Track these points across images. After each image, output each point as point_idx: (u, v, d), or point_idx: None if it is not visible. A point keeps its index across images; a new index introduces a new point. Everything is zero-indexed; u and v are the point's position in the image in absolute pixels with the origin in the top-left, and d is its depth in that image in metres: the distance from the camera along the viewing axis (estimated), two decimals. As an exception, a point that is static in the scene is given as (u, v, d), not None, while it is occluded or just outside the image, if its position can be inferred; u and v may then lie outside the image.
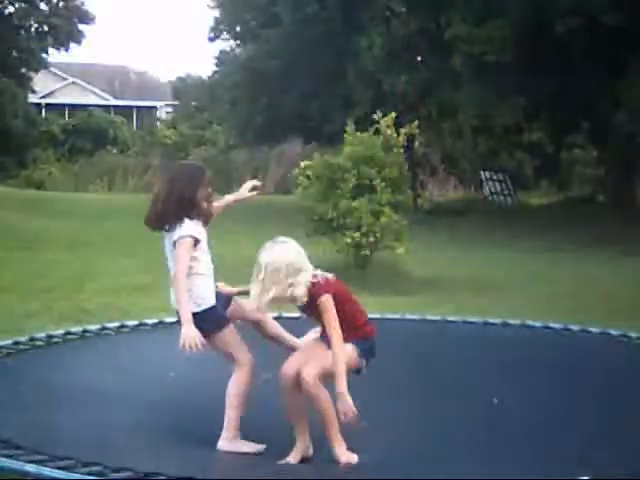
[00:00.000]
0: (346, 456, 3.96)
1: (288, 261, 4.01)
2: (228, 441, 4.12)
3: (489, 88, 18.66)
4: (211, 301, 4.24)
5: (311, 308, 4.01)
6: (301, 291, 3.97)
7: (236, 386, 4.21)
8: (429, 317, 7.50)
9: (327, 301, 3.95)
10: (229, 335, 4.25)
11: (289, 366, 4.04)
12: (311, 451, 4.10)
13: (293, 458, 4.02)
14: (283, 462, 4.00)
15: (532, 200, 27.23)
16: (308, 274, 4.02)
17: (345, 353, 3.92)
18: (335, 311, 3.96)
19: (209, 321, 4.19)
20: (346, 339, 3.98)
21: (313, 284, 4.00)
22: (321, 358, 3.95)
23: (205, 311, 4.21)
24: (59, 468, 3.50)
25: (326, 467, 3.97)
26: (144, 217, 4.29)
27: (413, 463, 3.94)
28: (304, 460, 4.07)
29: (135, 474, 3.53)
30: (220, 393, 5.10)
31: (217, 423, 4.52)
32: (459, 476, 3.74)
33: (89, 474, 3.47)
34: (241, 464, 3.89)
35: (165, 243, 4.28)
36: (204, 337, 4.15)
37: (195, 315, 4.12)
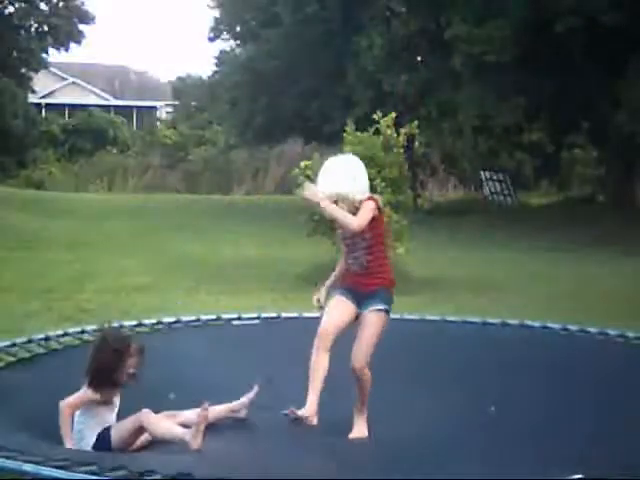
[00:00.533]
0: (360, 432, 4.37)
1: (354, 167, 4.61)
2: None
3: (489, 88, 18.66)
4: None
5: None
6: (358, 195, 4.42)
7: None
8: (429, 317, 7.50)
9: (369, 205, 4.39)
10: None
11: (330, 326, 4.39)
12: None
13: (307, 412, 4.21)
14: (301, 415, 4.20)
15: (532, 200, 27.23)
16: (366, 183, 4.54)
17: (355, 225, 4.35)
18: (371, 216, 4.38)
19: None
20: (377, 285, 4.50)
21: (368, 197, 4.47)
22: (364, 338, 4.40)
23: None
24: (56, 468, 3.50)
25: (326, 466, 3.97)
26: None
27: (413, 462, 3.94)
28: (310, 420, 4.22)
29: (130, 473, 3.53)
30: (217, 391, 5.10)
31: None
32: (459, 476, 3.74)
33: (85, 474, 3.47)
34: (237, 462, 3.90)
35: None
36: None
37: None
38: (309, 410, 4.18)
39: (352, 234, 4.38)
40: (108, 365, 4.37)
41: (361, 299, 4.42)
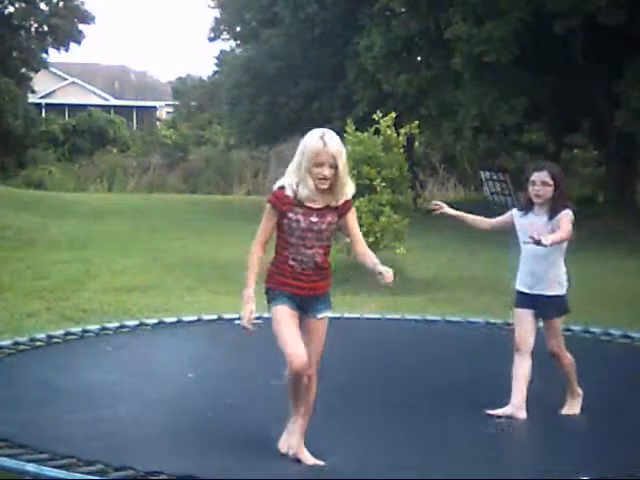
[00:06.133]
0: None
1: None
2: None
3: (489, 88, 18.64)
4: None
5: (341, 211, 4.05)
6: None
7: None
8: (429, 317, 7.50)
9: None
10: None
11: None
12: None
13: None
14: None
15: (532, 200, 27.16)
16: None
17: None
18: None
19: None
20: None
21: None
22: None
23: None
24: (60, 467, 3.50)
25: (328, 469, 3.96)
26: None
27: (413, 461, 3.93)
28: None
29: (136, 473, 3.53)
30: (218, 392, 5.09)
31: (217, 420, 4.52)
32: (460, 475, 3.74)
33: (89, 474, 3.47)
34: (241, 464, 3.89)
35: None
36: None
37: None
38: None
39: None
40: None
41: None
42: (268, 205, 3.98)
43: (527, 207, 5.13)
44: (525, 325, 5.03)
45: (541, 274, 4.98)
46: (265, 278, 4.06)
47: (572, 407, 4.95)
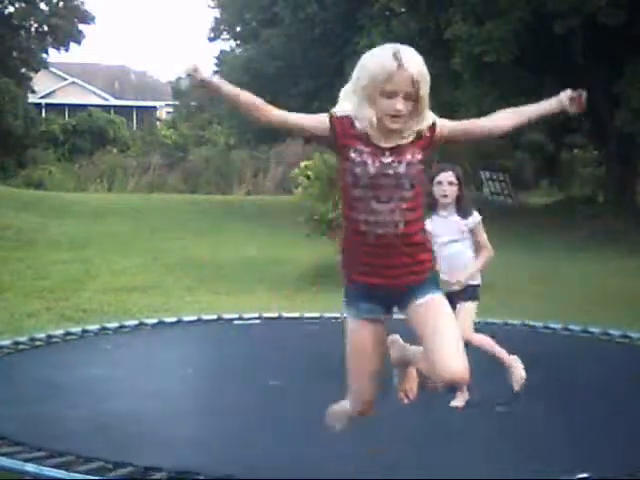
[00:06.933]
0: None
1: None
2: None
3: (489, 88, 18.65)
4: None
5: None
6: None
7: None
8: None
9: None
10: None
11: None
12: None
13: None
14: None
15: (532, 200, 27.22)
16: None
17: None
18: None
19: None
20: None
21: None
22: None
23: None
24: (60, 465, 3.50)
25: (329, 467, 3.97)
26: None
27: (413, 463, 3.94)
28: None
29: (136, 469, 3.54)
30: (218, 391, 5.09)
31: (216, 419, 4.53)
32: (459, 476, 3.74)
33: (89, 472, 3.47)
34: (240, 460, 3.90)
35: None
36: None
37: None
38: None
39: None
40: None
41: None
42: (325, 118, 2.86)
43: (429, 209, 5.21)
44: None
45: (460, 268, 5.04)
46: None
47: (516, 373, 5.00)
